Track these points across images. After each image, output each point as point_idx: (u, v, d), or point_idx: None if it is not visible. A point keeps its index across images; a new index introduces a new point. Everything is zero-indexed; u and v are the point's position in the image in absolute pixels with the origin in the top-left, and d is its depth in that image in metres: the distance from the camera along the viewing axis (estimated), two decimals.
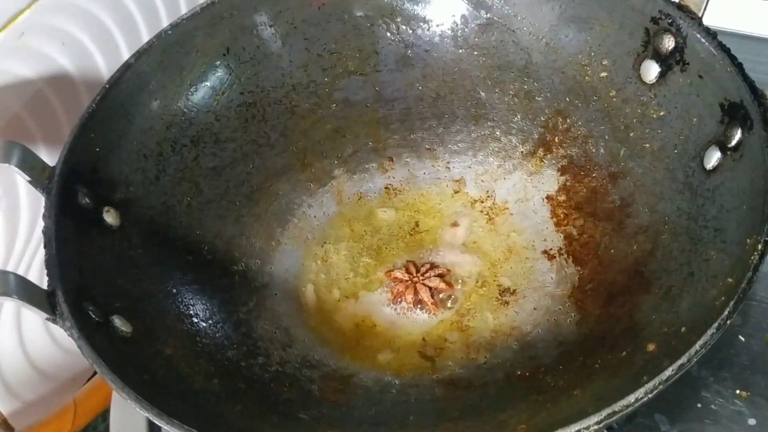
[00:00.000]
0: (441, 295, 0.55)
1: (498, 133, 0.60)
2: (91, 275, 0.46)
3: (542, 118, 0.58)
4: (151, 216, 0.52)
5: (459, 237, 0.58)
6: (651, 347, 0.42)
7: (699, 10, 0.63)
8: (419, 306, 0.55)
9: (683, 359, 0.36)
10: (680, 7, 0.48)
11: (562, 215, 0.57)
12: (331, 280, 0.57)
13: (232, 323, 0.53)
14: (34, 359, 0.62)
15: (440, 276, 0.56)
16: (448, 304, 0.55)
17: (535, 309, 0.53)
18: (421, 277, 0.55)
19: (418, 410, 0.49)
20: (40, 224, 0.45)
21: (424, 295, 0.54)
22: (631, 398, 0.36)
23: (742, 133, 0.44)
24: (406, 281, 0.55)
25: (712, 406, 0.49)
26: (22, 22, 0.52)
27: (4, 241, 0.55)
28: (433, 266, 0.57)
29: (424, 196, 0.61)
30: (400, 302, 0.55)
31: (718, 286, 0.41)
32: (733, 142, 0.45)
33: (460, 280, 0.56)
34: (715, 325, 0.37)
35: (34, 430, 0.59)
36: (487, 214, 0.59)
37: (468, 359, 0.52)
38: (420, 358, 0.52)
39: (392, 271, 0.57)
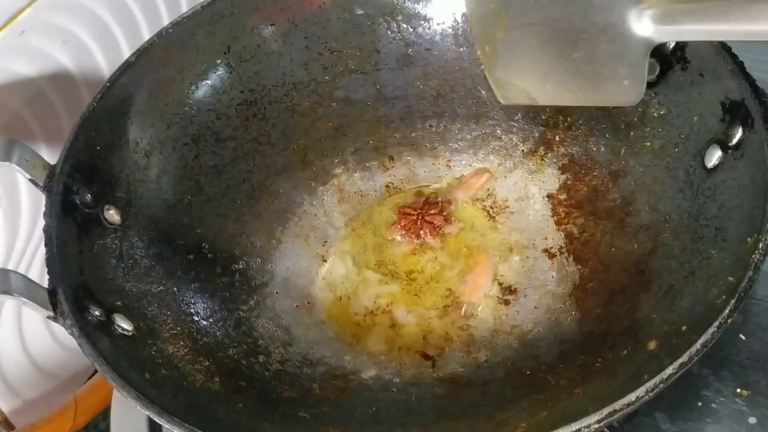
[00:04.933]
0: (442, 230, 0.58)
1: (499, 131, 0.60)
2: (91, 273, 0.46)
3: (543, 117, 0.58)
4: (151, 214, 0.52)
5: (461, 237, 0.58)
6: (652, 346, 0.42)
7: None
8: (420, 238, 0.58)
9: (684, 358, 0.36)
10: None
11: (562, 214, 0.57)
12: (332, 278, 0.57)
13: (233, 322, 0.53)
14: (35, 357, 0.62)
15: (441, 212, 0.58)
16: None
17: (535, 307, 0.53)
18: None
19: (418, 409, 0.49)
20: (41, 223, 0.45)
21: (426, 229, 0.58)
22: (632, 397, 0.36)
23: (743, 132, 0.44)
24: (411, 215, 0.58)
25: (713, 405, 0.49)
26: (23, 21, 0.52)
27: (5, 240, 0.55)
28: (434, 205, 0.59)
29: (425, 194, 0.61)
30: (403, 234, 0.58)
31: (718, 284, 0.41)
32: (734, 141, 0.45)
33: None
34: (716, 323, 0.37)
35: (35, 428, 0.59)
36: (488, 212, 0.59)
37: (469, 358, 0.52)
38: (420, 356, 0.52)
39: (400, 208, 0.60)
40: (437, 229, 0.58)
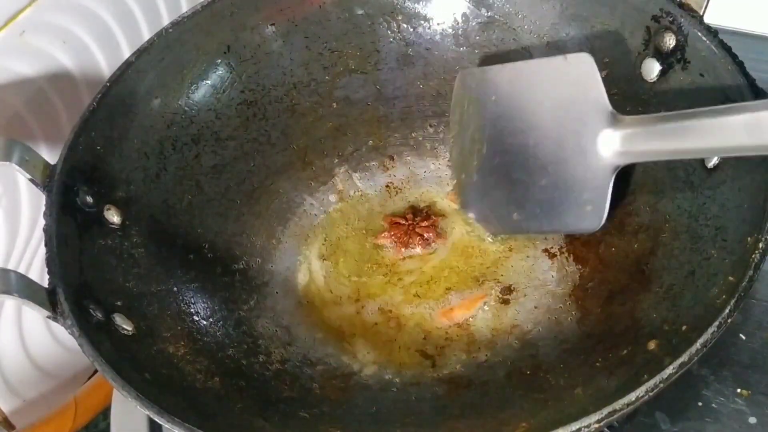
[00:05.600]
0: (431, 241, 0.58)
1: None
2: (92, 273, 0.46)
3: None
4: (152, 214, 0.52)
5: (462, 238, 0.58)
6: (652, 345, 0.42)
7: (700, 9, 0.63)
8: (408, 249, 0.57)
9: (684, 358, 0.36)
10: (681, 6, 0.48)
11: None
12: (332, 278, 0.57)
13: (233, 321, 0.53)
14: (35, 357, 0.62)
15: (433, 225, 0.58)
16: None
17: (535, 307, 0.53)
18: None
19: (418, 409, 0.49)
20: (41, 222, 0.45)
21: (415, 240, 0.58)
22: (632, 396, 0.36)
23: None
24: (402, 225, 0.58)
25: (713, 405, 0.49)
26: (23, 21, 0.52)
27: (5, 240, 0.55)
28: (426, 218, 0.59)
29: (425, 194, 0.61)
30: (391, 242, 0.58)
31: (719, 284, 0.41)
32: None
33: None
34: (716, 323, 0.37)
35: (35, 428, 0.59)
36: None
37: (469, 358, 0.52)
38: (421, 356, 0.52)
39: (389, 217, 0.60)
40: (427, 241, 0.58)
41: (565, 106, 0.47)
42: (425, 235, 0.58)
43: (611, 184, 0.46)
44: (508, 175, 0.51)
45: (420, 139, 0.61)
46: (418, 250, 0.58)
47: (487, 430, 0.46)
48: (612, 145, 0.45)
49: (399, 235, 0.58)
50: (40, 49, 0.54)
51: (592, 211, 0.47)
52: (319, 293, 0.57)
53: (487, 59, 0.58)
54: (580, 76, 0.47)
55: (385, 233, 0.59)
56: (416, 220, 0.59)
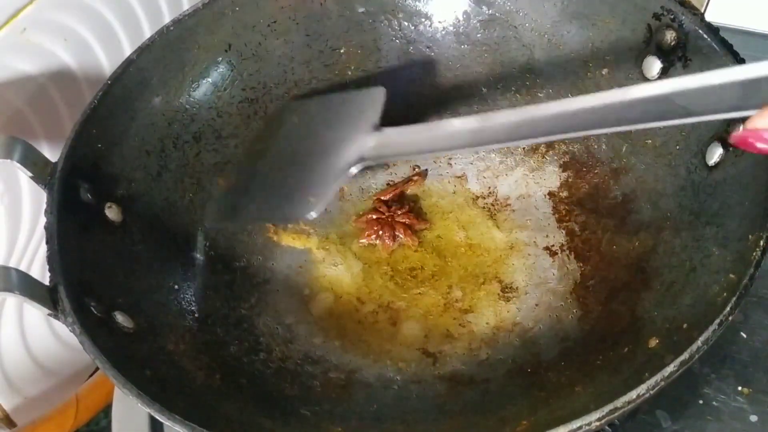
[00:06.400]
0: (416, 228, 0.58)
1: None
2: (93, 271, 0.46)
3: None
4: (153, 212, 0.52)
5: (462, 235, 0.58)
6: (653, 343, 0.42)
7: (701, 6, 0.62)
8: (396, 240, 0.57)
9: (685, 355, 0.36)
10: (682, 3, 0.48)
11: (564, 211, 0.57)
12: (333, 276, 0.57)
13: (234, 319, 0.53)
14: (36, 355, 0.62)
15: (410, 210, 0.58)
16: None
17: (536, 305, 0.53)
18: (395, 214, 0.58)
19: (419, 406, 0.49)
20: (42, 220, 0.45)
21: (400, 230, 0.57)
22: (633, 394, 0.36)
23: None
24: (381, 219, 0.58)
25: (714, 403, 0.49)
26: (25, 18, 0.52)
27: (6, 237, 0.56)
28: (401, 202, 0.59)
29: (426, 192, 0.61)
30: (376, 239, 0.58)
31: (719, 282, 0.41)
32: None
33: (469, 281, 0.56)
34: (717, 321, 0.37)
35: (36, 425, 0.59)
36: (489, 210, 0.59)
37: (470, 355, 0.52)
38: (421, 354, 0.52)
39: (362, 216, 0.59)
40: (411, 227, 0.58)
41: (345, 124, 0.49)
42: (407, 222, 0.58)
43: (340, 181, 0.47)
44: (267, 177, 0.51)
45: None
46: (406, 238, 0.57)
47: (488, 428, 0.46)
48: (360, 150, 0.46)
49: (382, 229, 0.58)
50: (42, 46, 0.54)
51: (315, 202, 0.47)
52: (320, 291, 0.57)
53: (488, 57, 0.58)
54: (367, 102, 0.48)
55: (366, 233, 0.58)
56: (393, 210, 0.58)
